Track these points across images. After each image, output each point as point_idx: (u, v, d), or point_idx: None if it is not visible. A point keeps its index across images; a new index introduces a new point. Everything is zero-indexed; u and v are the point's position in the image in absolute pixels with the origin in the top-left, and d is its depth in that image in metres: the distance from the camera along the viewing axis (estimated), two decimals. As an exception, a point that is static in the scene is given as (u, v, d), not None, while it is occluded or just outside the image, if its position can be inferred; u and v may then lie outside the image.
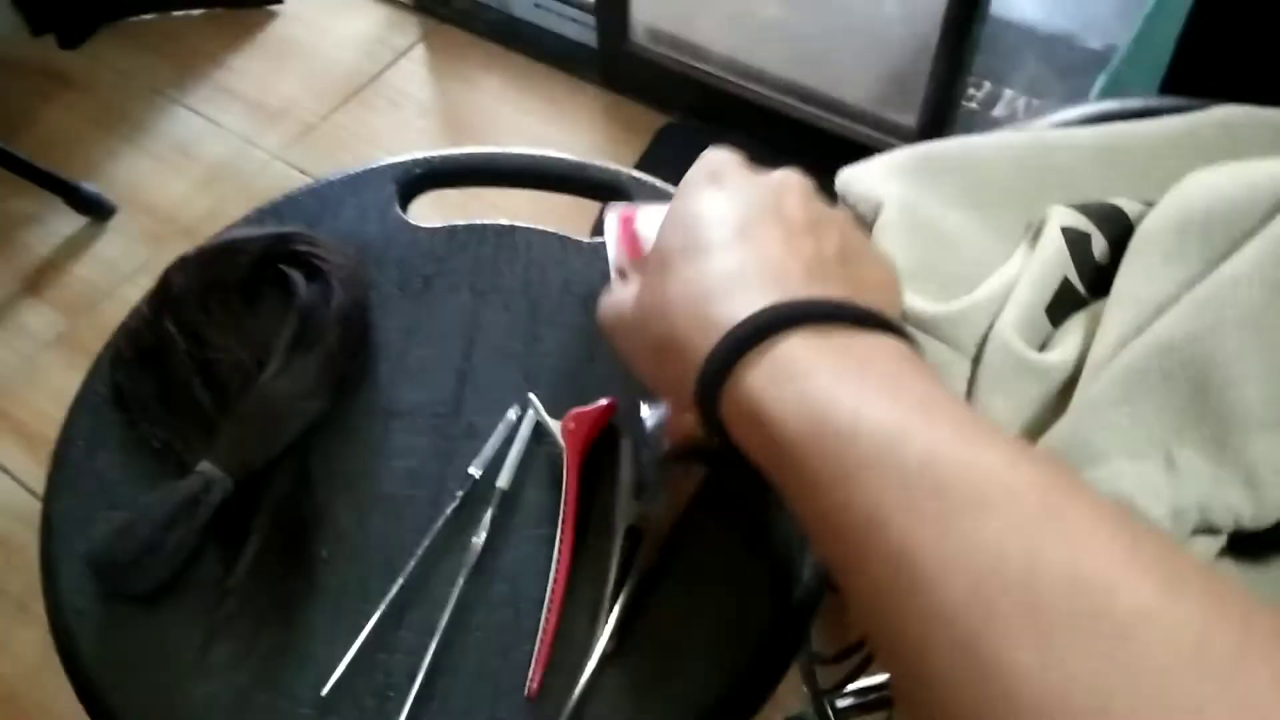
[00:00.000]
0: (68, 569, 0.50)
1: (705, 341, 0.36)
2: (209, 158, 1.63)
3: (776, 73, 1.53)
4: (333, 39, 1.78)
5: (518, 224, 0.62)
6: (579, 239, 0.62)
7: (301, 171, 1.58)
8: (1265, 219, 0.47)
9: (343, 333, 0.55)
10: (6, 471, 1.30)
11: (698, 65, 1.58)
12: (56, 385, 1.38)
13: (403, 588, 0.49)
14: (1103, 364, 0.46)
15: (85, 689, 0.48)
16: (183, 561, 0.49)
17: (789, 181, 0.43)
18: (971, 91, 1.63)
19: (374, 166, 0.65)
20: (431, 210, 0.65)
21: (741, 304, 0.36)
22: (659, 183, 0.63)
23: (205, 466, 0.50)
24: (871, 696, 0.89)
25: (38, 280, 1.50)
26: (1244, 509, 0.42)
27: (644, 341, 0.41)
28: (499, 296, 0.59)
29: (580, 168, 0.64)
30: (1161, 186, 0.52)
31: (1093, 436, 0.42)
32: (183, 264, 0.58)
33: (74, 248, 1.54)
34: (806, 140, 1.52)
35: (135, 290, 1.47)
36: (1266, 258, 0.45)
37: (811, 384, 0.33)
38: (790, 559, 0.50)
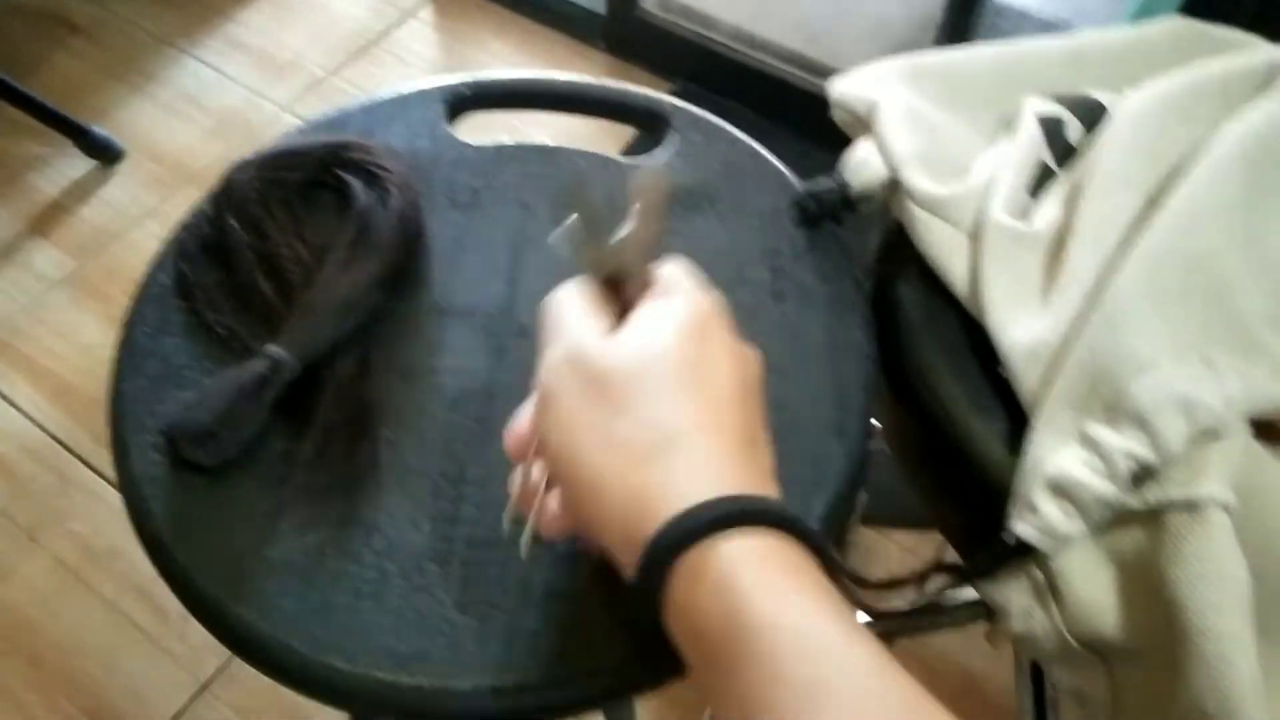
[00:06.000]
0: (139, 441, 0.53)
1: (650, 509, 0.37)
2: (217, 108, 1.64)
3: (782, 43, 1.57)
4: (340, -4, 1.80)
5: (561, 145, 0.65)
6: (619, 159, 0.65)
7: (310, 124, 1.60)
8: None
9: (400, 234, 0.58)
10: (14, 405, 1.31)
11: (705, 33, 1.61)
12: (63, 324, 1.39)
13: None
14: (1115, 250, 0.51)
15: (158, 551, 0.50)
16: (251, 437, 0.52)
17: (714, 309, 0.43)
18: (969, 71, 1.67)
19: (423, 88, 0.68)
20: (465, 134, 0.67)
21: (693, 480, 0.37)
22: (698, 110, 0.67)
23: (273, 349, 0.53)
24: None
25: (45, 221, 1.51)
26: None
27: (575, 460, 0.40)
28: (546, 211, 0.62)
29: (622, 93, 0.67)
30: (1118, 88, 0.59)
31: (1137, 348, 0.47)
32: (244, 165, 0.60)
33: (81, 191, 1.55)
34: (809, 109, 1.55)
35: (143, 235, 1.51)
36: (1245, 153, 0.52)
37: (747, 601, 0.35)
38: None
